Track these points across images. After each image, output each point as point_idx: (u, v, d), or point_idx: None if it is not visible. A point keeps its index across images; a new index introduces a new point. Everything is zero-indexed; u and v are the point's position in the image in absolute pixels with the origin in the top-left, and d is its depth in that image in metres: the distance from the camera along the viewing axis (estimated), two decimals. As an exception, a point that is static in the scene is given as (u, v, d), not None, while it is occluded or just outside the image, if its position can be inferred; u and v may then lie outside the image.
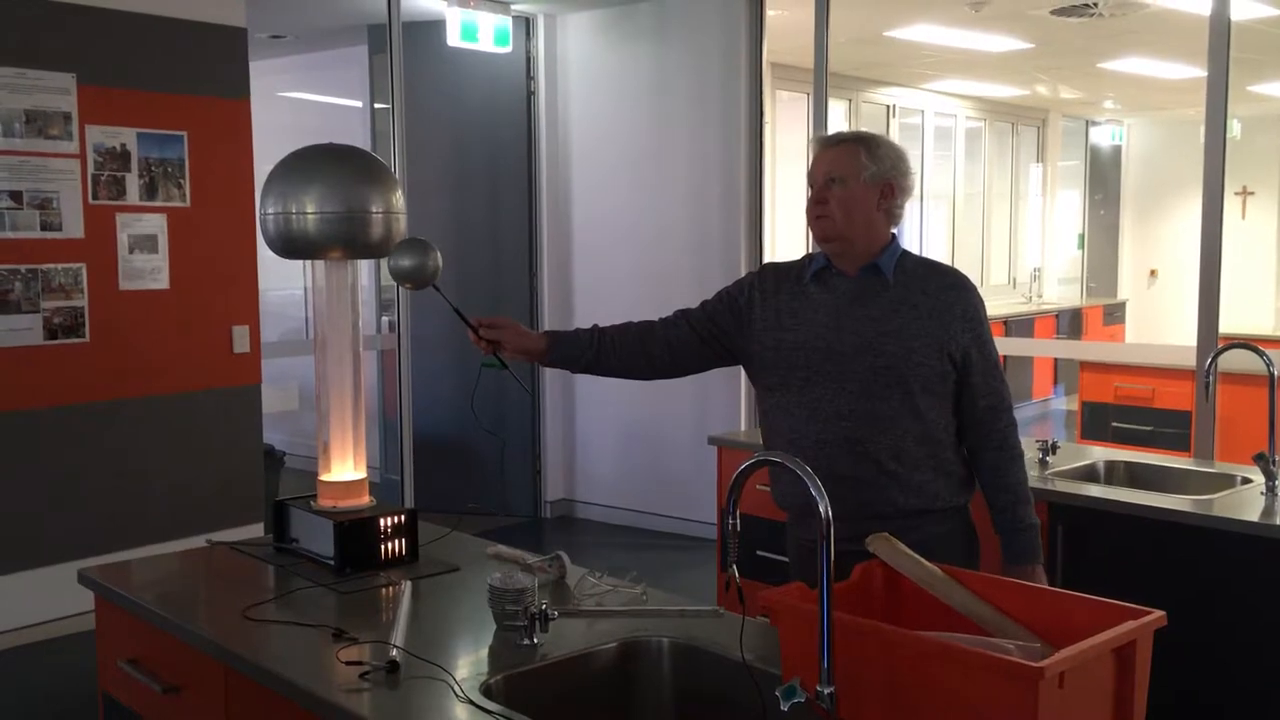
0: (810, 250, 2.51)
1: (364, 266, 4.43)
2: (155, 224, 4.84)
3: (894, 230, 2.40)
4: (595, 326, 2.53)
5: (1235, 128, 8.06)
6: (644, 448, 6.38)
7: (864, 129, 2.44)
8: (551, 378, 6.59)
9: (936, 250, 9.39)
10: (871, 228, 2.34)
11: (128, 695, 2.36)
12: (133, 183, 4.77)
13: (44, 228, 4.53)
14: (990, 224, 10.41)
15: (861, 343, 2.30)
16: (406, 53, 6.01)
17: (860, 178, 2.32)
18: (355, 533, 2.44)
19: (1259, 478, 3.22)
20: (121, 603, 2.35)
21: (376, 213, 2.43)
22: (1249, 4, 6.01)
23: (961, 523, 2.38)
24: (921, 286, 2.34)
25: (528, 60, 6.54)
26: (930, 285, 2.35)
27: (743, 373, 6.44)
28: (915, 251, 2.47)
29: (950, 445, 2.35)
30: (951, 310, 2.32)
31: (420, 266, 2.39)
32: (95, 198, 4.66)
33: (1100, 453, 3.93)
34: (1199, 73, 5.05)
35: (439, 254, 2.40)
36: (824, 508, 1.56)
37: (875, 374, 2.28)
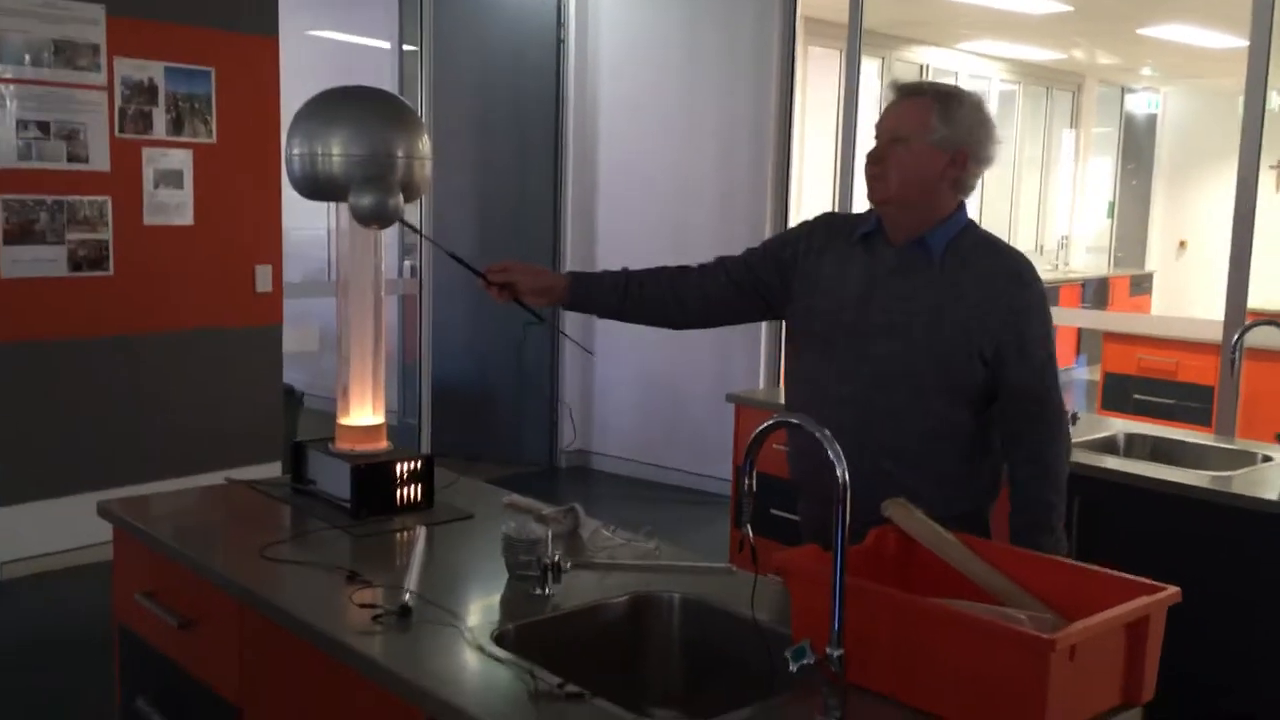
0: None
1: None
2: (181, 159, 4.84)
3: (961, 199, 2.17)
4: (625, 269, 2.35)
5: (1274, 100, 7.92)
6: (662, 401, 6.38)
7: (946, 84, 2.21)
8: (570, 323, 6.58)
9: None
10: (931, 196, 2.12)
11: (144, 627, 2.39)
12: (159, 117, 4.76)
13: (70, 159, 4.53)
14: (1020, 189, 10.30)
15: (886, 324, 2.13)
16: (437, -5, 5.95)
17: (926, 140, 2.09)
18: (372, 477, 2.45)
19: (1280, 456, 3.21)
20: (140, 536, 2.37)
21: (402, 157, 2.41)
22: (1296, -27, 5.87)
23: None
24: (973, 271, 2.12)
25: (559, 7, 6.47)
26: (982, 271, 2.12)
27: (764, 329, 6.39)
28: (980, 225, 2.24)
29: (959, 451, 2.17)
30: (996, 303, 2.10)
31: (380, 204, 2.34)
32: (122, 131, 4.66)
33: (1121, 425, 3.91)
34: (1240, 42, 4.95)
35: (401, 194, 2.36)
36: (841, 471, 1.55)
37: (888, 361, 2.12)
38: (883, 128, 2.15)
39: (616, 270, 2.37)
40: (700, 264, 2.37)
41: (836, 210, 5.69)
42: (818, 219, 2.34)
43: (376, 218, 2.37)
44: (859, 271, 2.19)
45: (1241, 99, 4.68)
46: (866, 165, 2.16)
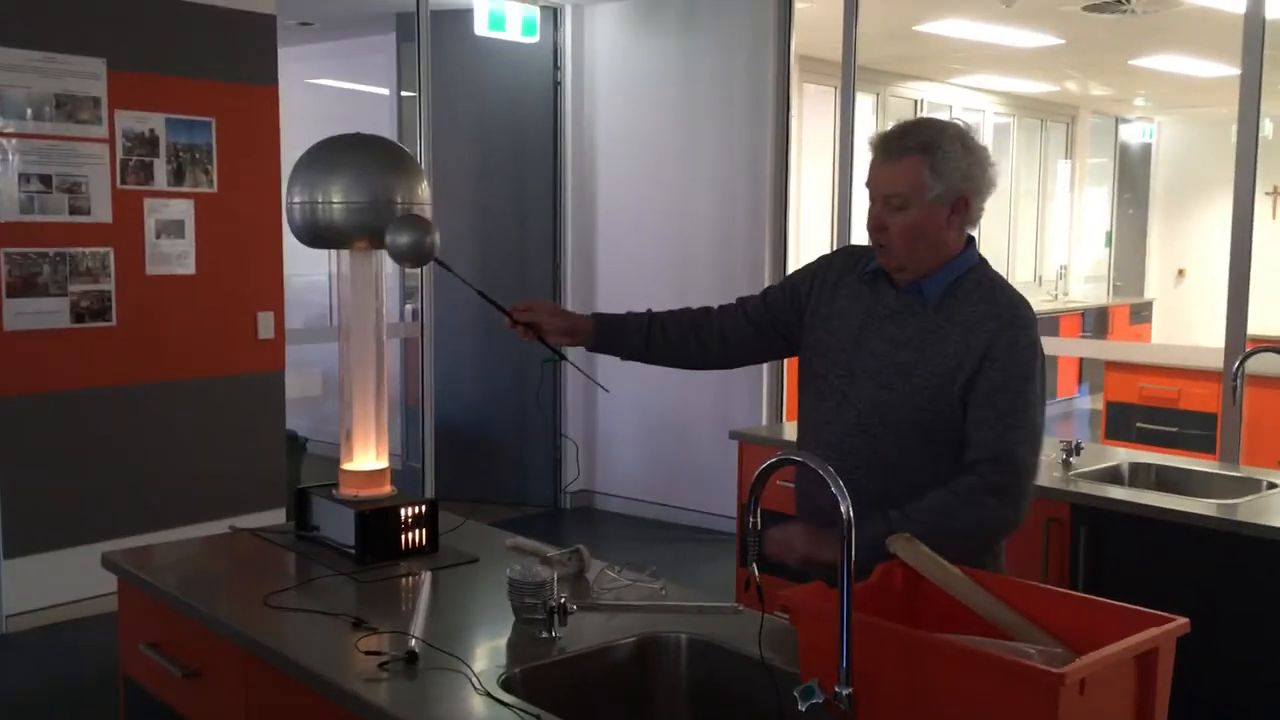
0: None
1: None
2: (182, 209, 4.87)
3: (971, 234, 2.12)
4: (649, 310, 2.35)
5: (1268, 127, 7.96)
6: (665, 439, 6.38)
7: (924, 127, 2.08)
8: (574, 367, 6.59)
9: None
10: (940, 248, 2.06)
11: (149, 678, 2.38)
12: (161, 168, 4.79)
13: (73, 212, 4.56)
14: (1017, 221, 10.35)
15: (875, 367, 2.08)
16: (434, 41, 6.01)
17: (924, 200, 2.02)
18: (376, 522, 2.45)
19: (1285, 483, 3.20)
20: (144, 587, 2.37)
21: (402, 203, 2.43)
22: (1285, 2, 5.94)
23: None
24: (964, 314, 2.04)
25: (555, 50, 6.54)
26: (974, 315, 2.03)
27: (766, 367, 6.37)
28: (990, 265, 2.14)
29: None
30: (975, 347, 2.01)
31: (418, 243, 2.33)
32: (124, 183, 4.69)
33: (1124, 454, 3.90)
34: (1232, 71, 4.99)
35: (437, 232, 2.36)
36: (845, 508, 1.55)
37: (874, 407, 2.07)
38: (875, 191, 2.07)
39: (640, 312, 2.37)
40: (722, 305, 2.37)
41: (847, 244, 5.71)
42: (838, 251, 2.31)
43: (412, 255, 2.34)
44: (859, 310, 2.15)
45: (1235, 127, 4.71)
46: (870, 233, 2.10)
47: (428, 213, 2.51)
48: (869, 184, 2.08)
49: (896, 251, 2.07)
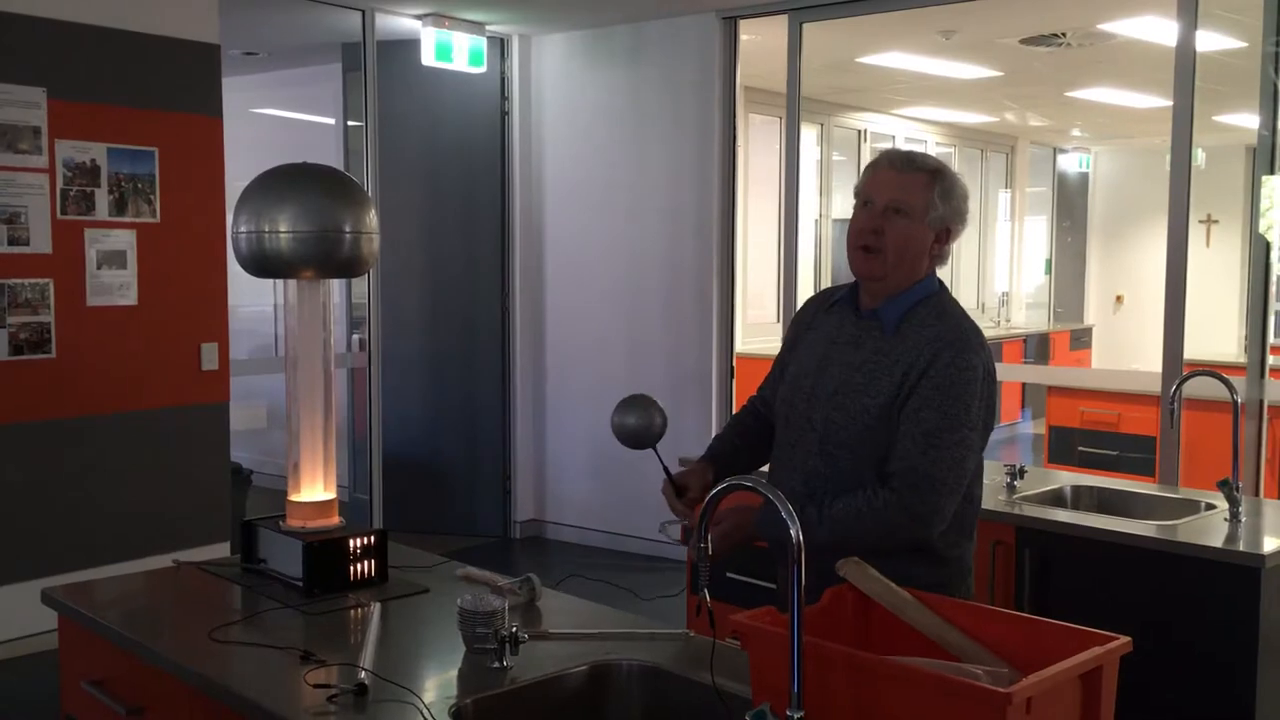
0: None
1: (335, 285, 4.42)
2: (124, 240, 4.80)
3: (935, 270, 2.18)
4: (732, 428, 2.46)
5: (1200, 157, 8.16)
6: (614, 467, 6.36)
7: (930, 157, 2.20)
8: (521, 394, 6.57)
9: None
10: (916, 269, 2.13)
11: (91, 716, 2.33)
12: (102, 198, 4.73)
13: (11, 242, 4.49)
14: (959, 249, 10.51)
15: (832, 392, 2.14)
16: (381, 71, 6.01)
17: (925, 217, 2.10)
18: (324, 553, 2.43)
19: (1223, 503, 3.26)
20: (86, 623, 2.32)
21: (349, 232, 2.42)
22: (1214, 36, 6.11)
23: None
24: (914, 336, 2.09)
25: (502, 80, 6.56)
26: (923, 336, 2.09)
27: (715, 393, 6.39)
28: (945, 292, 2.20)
29: None
30: (921, 364, 2.06)
31: (647, 426, 2.32)
32: (64, 213, 4.63)
33: (1067, 477, 3.96)
34: (1164, 102, 5.12)
35: (663, 411, 2.34)
36: (795, 532, 1.56)
37: (830, 428, 2.13)
38: (880, 195, 2.11)
39: (725, 436, 2.45)
40: (759, 389, 2.45)
41: (794, 270, 5.75)
42: (811, 298, 2.39)
43: (641, 435, 2.32)
44: (824, 339, 2.23)
45: (1168, 157, 4.82)
46: (859, 236, 2.12)
47: (375, 243, 2.51)
48: (869, 189, 2.13)
49: (886, 257, 2.11)
